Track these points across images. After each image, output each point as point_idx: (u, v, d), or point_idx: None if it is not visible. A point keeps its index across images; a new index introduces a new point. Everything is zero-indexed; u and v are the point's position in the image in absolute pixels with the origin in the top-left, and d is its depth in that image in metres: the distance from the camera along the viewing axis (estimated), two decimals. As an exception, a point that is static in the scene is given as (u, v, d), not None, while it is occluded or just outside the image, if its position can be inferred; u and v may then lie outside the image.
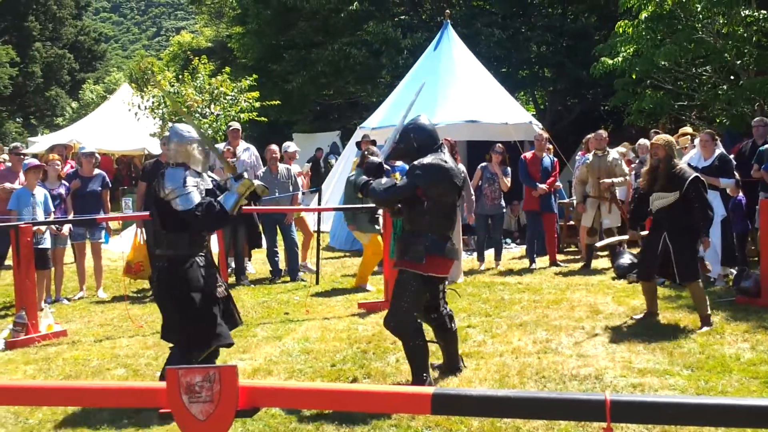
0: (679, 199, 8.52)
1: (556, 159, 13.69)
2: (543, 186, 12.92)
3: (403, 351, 6.71)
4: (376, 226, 11.19)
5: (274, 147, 12.93)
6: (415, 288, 6.55)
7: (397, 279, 6.65)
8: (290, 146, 13.65)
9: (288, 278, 12.43)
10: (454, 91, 15.82)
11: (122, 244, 14.01)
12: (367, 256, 11.50)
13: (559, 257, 13.86)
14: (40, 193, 10.81)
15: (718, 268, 10.81)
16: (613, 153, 12.73)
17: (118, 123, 27.47)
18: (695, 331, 8.34)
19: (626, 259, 11.77)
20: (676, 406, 2.77)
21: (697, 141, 11.44)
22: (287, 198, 12.62)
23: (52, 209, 11.01)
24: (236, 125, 13.81)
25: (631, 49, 17.71)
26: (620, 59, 17.88)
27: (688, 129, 14.03)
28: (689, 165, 10.88)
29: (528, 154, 13.33)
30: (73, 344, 8.77)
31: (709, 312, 8.60)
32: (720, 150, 10.96)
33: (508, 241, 15.65)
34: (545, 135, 13.83)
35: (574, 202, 13.46)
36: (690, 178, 8.49)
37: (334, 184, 17.35)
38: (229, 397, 3.09)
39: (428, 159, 6.67)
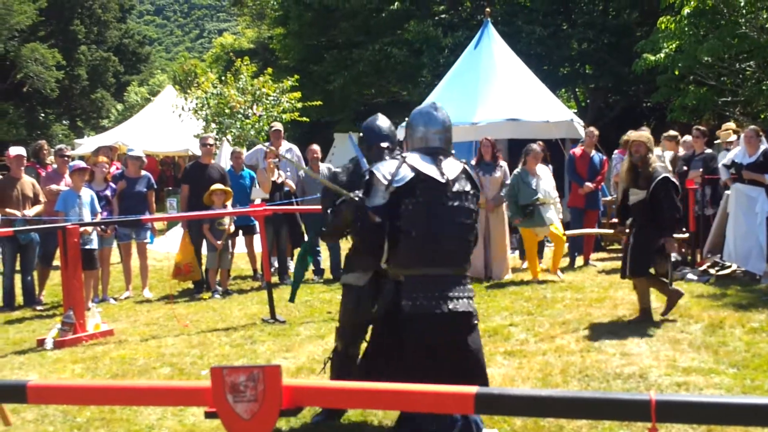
0: (647, 197, 8.60)
1: (605, 157, 13.54)
2: (589, 184, 12.79)
3: None
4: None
5: (315, 147, 12.98)
6: None
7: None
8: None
9: (330, 277, 12.47)
10: (494, 89, 15.76)
11: (167, 244, 14.16)
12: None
13: (603, 255, 13.77)
14: (86, 194, 10.96)
15: (763, 264, 10.67)
16: (656, 150, 12.60)
17: (162, 124, 27.72)
18: (740, 329, 8.25)
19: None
20: (722, 405, 2.75)
21: (741, 137, 11.30)
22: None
23: (99, 210, 11.15)
24: (278, 126, 13.86)
25: (674, 45, 17.57)
26: (663, 55, 17.74)
27: (731, 125, 13.88)
28: (734, 162, 10.81)
29: (577, 150, 13.22)
30: (120, 343, 8.87)
31: (650, 306, 8.86)
32: (765, 146, 10.81)
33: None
34: (595, 132, 13.67)
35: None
36: (659, 178, 8.53)
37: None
38: (273, 396, 3.11)
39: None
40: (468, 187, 5.16)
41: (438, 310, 4.90)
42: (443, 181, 5.03)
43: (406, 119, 5.44)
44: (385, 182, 5.01)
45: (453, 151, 5.37)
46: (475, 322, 5.07)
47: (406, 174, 5.00)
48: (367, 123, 6.22)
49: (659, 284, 8.91)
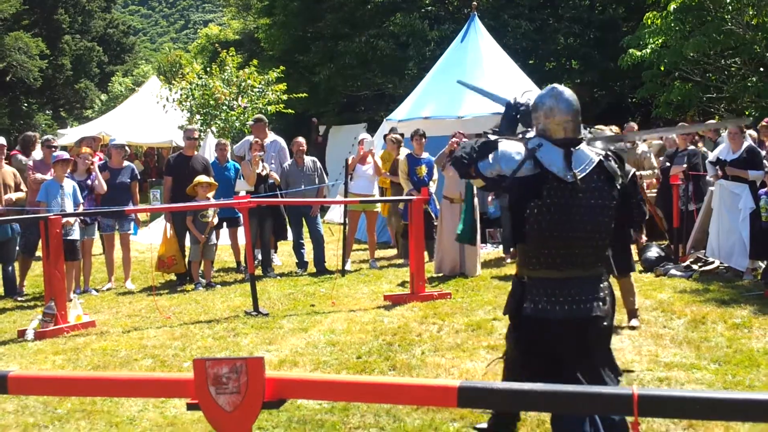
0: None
1: None
2: None
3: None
4: None
5: (300, 139, 12.96)
6: None
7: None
8: (366, 137, 13.51)
9: (314, 270, 12.44)
10: (480, 82, 15.72)
11: (150, 236, 14.09)
12: None
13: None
14: (68, 185, 10.90)
15: (746, 261, 10.71)
16: (642, 146, 12.64)
17: (146, 115, 27.59)
18: (722, 324, 8.28)
19: (653, 252, 11.70)
20: (703, 400, 2.74)
21: (725, 134, 11.34)
22: (313, 190, 12.66)
23: (81, 201, 11.09)
24: (262, 117, 13.79)
25: (660, 41, 17.62)
26: (648, 51, 17.79)
27: (712, 122, 13.90)
28: (718, 158, 10.83)
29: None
30: (101, 335, 8.83)
31: (637, 307, 8.54)
32: (748, 142, 10.86)
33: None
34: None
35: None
36: (631, 173, 8.33)
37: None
38: (255, 388, 3.09)
39: None
40: (601, 183, 4.63)
41: (560, 316, 4.57)
42: (570, 180, 4.54)
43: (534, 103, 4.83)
44: (505, 169, 4.61)
45: (582, 137, 4.79)
46: (605, 324, 4.67)
47: (530, 169, 4.59)
48: None
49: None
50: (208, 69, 22.51)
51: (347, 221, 12.67)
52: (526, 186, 4.57)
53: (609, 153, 4.78)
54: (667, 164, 12.32)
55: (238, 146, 13.80)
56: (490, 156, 4.67)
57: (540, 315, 4.59)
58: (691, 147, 12.36)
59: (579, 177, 4.54)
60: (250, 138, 13.40)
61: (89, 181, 11.56)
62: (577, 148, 4.66)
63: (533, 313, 4.62)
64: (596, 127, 6.77)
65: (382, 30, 28.47)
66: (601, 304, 4.60)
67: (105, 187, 11.60)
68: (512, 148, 4.67)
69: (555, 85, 4.87)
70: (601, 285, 4.66)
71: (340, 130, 28.56)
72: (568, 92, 4.78)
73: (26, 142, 13.13)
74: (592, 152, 4.70)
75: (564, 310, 4.55)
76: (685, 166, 11.92)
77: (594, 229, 4.60)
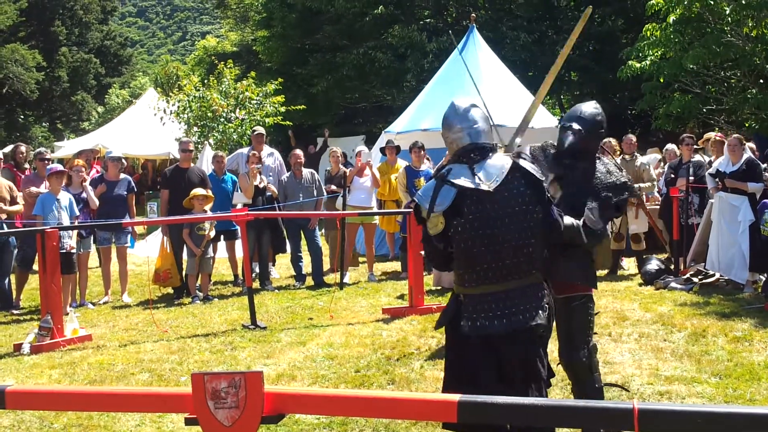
0: None
1: None
2: None
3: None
4: None
5: (298, 152, 12.96)
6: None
7: (572, 306, 5.34)
8: (363, 149, 13.52)
9: (312, 283, 12.40)
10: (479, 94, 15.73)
11: (147, 249, 14.06)
12: None
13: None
14: (64, 197, 10.86)
15: (746, 273, 10.68)
16: (641, 158, 12.61)
17: (143, 127, 27.56)
18: (722, 338, 8.24)
19: (653, 265, 11.65)
20: (704, 414, 2.74)
21: (725, 146, 11.33)
22: (311, 203, 12.62)
23: (77, 213, 11.05)
24: (261, 130, 13.78)
25: (659, 53, 17.63)
26: (648, 63, 17.78)
27: (711, 134, 13.92)
28: (718, 171, 10.82)
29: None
30: (98, 349, 8.79)
31: None
32: (748, 154, 10.84)
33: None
34: None
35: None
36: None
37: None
38: (254, 403, 3.08)
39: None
40: (522, 187, 4.53)
41: (501, 330, 4.44)
42: (484, 189, 4.47)
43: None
44: (426, 211, 4.54)
45: (495, 143, 4.80)
46: (543, 332, 4.55)
47: (448, 194, 4.50)
48: None
49: None
50: (205, 81, 22.56)
51: (345, 234, 12.64)
52: (450, 209, 4.50)
53: (523, 153, 4.83)
54: (672, 176, 12.25)
55: (231, 158, 13.72)
56: (427, 223, 4.60)
57: (480, 332, 4.47)
58: (696, 158, 12.29)
59: (493, 187, 4.47)
60: (243, 151, 13.38)
61: (84, 195, 11.52)
62: (486, 158, 4.62)
63: (471, 331, 4.49)
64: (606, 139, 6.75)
65: (380, 42, 28.55)
66: (541, 312, 4.49)
67: (97, 202, 11.58)
68: (427, 191, 4.62)
69: (453, 99, 4.98)
70: (540, 293, 4.56)
71: (337, 142, 28.53)
72: (467, 103, 4.86)
73: (13, 155, 13.10)
74: (504, 158, 4.66)
75: (503, 324, 4.44)
76: (692, 178, 11.84)
77: (522, 236, 4.48)
